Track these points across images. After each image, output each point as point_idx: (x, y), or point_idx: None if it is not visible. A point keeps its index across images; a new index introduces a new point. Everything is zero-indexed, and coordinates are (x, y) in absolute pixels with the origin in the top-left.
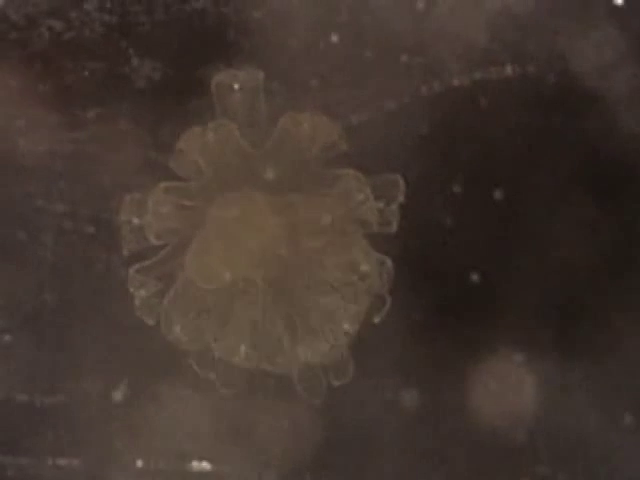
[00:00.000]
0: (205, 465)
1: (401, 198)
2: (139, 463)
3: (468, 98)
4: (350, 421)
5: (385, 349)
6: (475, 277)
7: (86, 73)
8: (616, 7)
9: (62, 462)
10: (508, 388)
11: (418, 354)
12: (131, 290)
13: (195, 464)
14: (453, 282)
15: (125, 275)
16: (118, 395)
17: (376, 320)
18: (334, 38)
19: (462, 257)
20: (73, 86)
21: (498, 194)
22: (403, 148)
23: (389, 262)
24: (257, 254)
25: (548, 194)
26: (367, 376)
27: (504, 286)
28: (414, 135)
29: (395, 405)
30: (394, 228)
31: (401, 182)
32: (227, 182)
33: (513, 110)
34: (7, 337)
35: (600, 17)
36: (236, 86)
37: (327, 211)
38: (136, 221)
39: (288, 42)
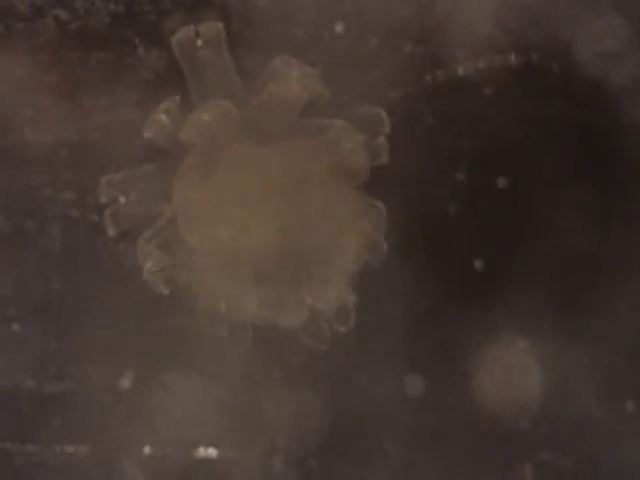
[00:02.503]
0: (212, 451)
1: (386, 130)
2: (146, 449)
3: (472, 87)
4: (355, 407)
5: (389, 336)
6: (479, 264)
7: (92, 63)
8: None
9: (69, 449)
10: (512, 374)
11: (422, 341)
12: (140, 261)
13: (202, 450)
14: (457, 269)
15: (130, 263)
16: (125, 382)
17: (372, 263)
18: (339, 27)
19: (466, 244)
20: (79, 76)
21: (502, 182)
22: (407, 137)
23: (381, 206)
24: (254, 209)
25: (551, 182)
26: (371, 362)
27: (508, 273)
28: (418, 124)
29: (399, 391)
30: (384, 160)
31: (384, 115)
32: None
33: (517, 99)
34: (15, 325)
35: (603, 6)
36: (199, 42)
37: (316, 160)
38: (122, 200)
39: (292, 31)
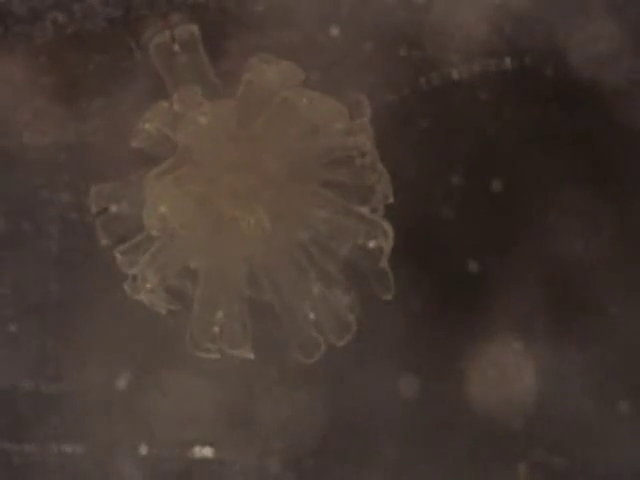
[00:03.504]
0: (207, 451)
1: (368, 114)
2: (143, 449)
3: (467, 91)
4: (351, 408)
5: (384, 337)
6: (474, 267)
7: (90, 66)
8: None
9: (67, 449)
10: (506, 375)
11: (417, 342)
12: (124, 271)
13: (197, 450)
14: (452, 272)
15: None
16: (122, 382)
17: (387, 297)
18: (334, 31)
19: (461, 247)
20: (77, 79)
21: (496, 186)
22: (402, 140)
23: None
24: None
25: (546, 186)
26: (367, 364)
27: (502, 276)
28: (413, 127)
29: (394, 392)
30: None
31: (365, 101)
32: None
33: (511, 102)
34: (12, 327)
35: (598, 9)
36: (175, 47)
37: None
38: (114, 209)
39: (288, 35)
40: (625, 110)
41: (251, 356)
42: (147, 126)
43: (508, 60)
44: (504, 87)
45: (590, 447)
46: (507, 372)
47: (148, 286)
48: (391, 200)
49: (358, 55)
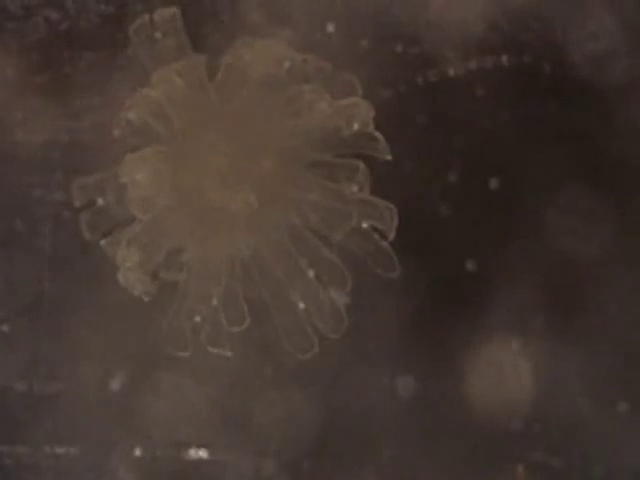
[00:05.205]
0: (203, 453)
1: (359, 93)
2: (137, 451)
3: (464, 87)
4: (347, 408)
5: (381, 336)
6: (471, 265)
7: (82, 63)
8: None
9: (60, 450)
10: (504, 375)
11: (414, 341)
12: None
13: (193, 452)
14: (449, 270)
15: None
16: (116, 383)
17: (392, 276)
18: (330, 28)
19: (458, 245)
20: (69, 76)
21: (494, 183)
22: (399, 137)
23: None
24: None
25: (543, 183)
26: (363, 363)
27: (500, 274)
28: (410, 124)
29: (391, 392)
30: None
31: (356, 81)
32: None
33: (509, 99)
34: (5, 326)
35: (596, 6)
36: (156, 33)
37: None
38: (100, 202)
39: (284, 32)
40: (623, 107)
41: (229, 354)
42: (130, 115)
43: (505, 57)
44: (501, 84)
45: (588, 447)
46: (505, 372)
47: (127, 264)
48: (389, 158)
49: (354, 52)
